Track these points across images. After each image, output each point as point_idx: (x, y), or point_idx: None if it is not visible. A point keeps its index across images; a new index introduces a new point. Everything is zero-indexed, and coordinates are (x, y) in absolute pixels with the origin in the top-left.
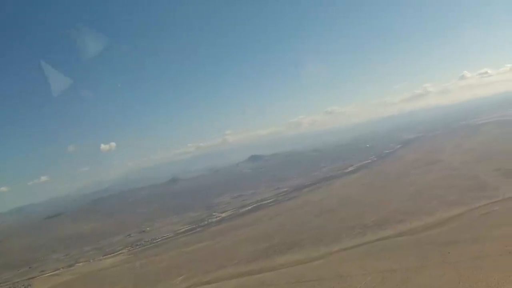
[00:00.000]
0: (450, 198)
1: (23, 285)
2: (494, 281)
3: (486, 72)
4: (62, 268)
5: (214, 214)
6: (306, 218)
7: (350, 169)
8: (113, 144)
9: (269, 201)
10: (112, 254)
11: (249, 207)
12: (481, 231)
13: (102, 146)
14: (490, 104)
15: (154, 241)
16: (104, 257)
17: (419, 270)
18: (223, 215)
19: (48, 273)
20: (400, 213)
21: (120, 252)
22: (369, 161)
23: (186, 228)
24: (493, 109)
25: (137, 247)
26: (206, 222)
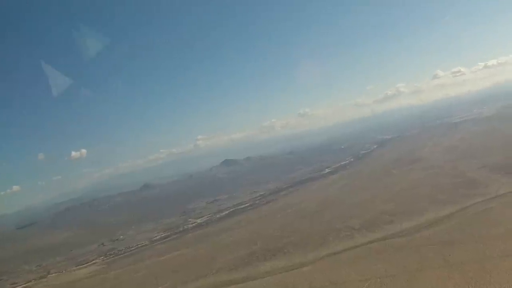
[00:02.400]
0: (439, 197)
1: None
2: (509, 286)
3: (460, 71)
4: (34, 280)
5: (189, 220)
6: (288, 221)
7: (327, 170)
8: (84, 151)
9: (246, 205)
10: (85, 264)
11: (226, 212)
12: (481, 230)
13: (73, 153)
14: (464, 103)
15: (128, 250)
16: (77, 267)
17: (420, 273)
18: (199, 220)
19: (20, 285)
20: (387, 213)
21: (93, 262)
22: (346, 162)
23: (161, 235)
24: (467, 108)
25: (111, 256)
26: (181, 229)
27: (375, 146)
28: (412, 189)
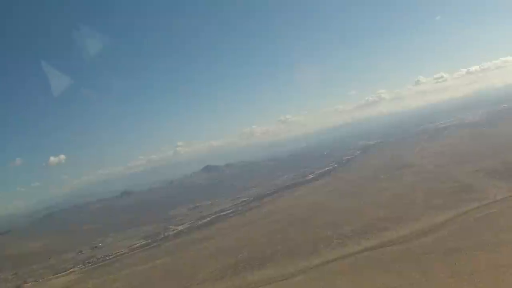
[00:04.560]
0: (435, 202)
1: None
2: None
3: (442, 77)
4: None
5: (170, 227)
6: (274, 228)
7: (311, 176)
8: (62, 156)
9: (229, 211)
10: (63, 273)
11: (208, 219)
12: (486, 236)
13: (51, 158)
14: (446, 110)
15: (107, 258)
16: (55, 276)
17: (426, 285)
18: (180, 228)
19: None
20: (381, 220)
21: (71, 270)
22: (330, 167)
23: (141, 243)
24: (450, 114)
25: (89, 264)
26: (162, 236)
27: (358, 152)
28: (405, 194)
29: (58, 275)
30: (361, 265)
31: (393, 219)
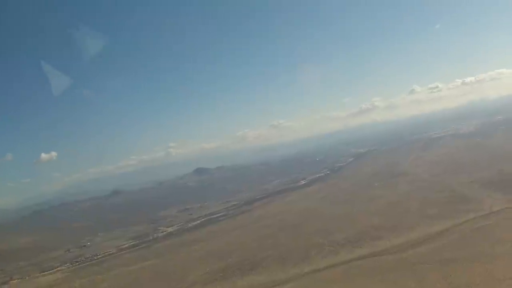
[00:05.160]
0: (430, 211)
1: None
2: None
3: (437, 87)
4: None
5: (159, 228)
6: (265, 233)
7: (303, 182)
8: (54, 153)
9: (219, 215)
10: (50, 271)
11: (198, 221)
12: (482, 248)
13: (43, 155)
14: (440, 119)
15: (95, 258)
16: (41, 274)
17: None
18: (170, 229)
19: None
20: (374, 228)
21: (58, 268)
22: (322, 174)
23: (130, 244)
24: (444, 124)
25: (77, 263)
26: (151, 237)
27: (351, 159)
28: (399, 203)
29: (45, 273)
30: (354, 274)
31: (387, 228)
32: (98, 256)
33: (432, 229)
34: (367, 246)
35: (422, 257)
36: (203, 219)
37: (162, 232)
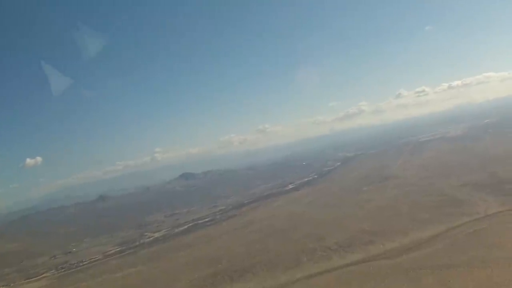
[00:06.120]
0: (422, 215)
1: None
2: None
3: (423, 90)
4: None
5: (146, 234)
6: (254, 239)
7: (290, 186)
8: (39, 159)
9: (206, 220)
10: (35, 278)
11: (185, 227)
12: (479, 253)
13: (28, 160)
14: (427, 123)
15: (81, 264)
16: (26, 280)
17: None
18: (157, 235)
19: None
20: (366, 233)
21: (43, 275)
22: (310, 178)
23: (116, 250)
24: (431, 128)
25: (62, 270)
26: (138, 243)
27: (338, 163)
28: (390, 207)
29: (30, 280)
30: (348, 279)
31: (378, 232)
32: (84, 263)
33: (424, 234)
34: (359, 251)
35: (416, 262)
36: (190, 224)
37: (149, 237)
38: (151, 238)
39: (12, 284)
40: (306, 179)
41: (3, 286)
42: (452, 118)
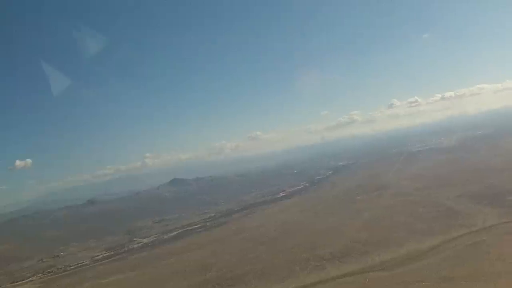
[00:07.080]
0: (418, 226)
1: None
2: None
3: (416, 101)
4: None
5: (135, 239)
6: (245, 247)
7: (282, 194)
8: (29, 161)
9: (196, 226)
10: (21, 282)
11: (175, 233)
12: (480, 266)
13: (17, 162)
14: (419, 134)
15: (68, 268)
16: (12, 284)
17: None
18: (145, 240)
19: None
20: (360, 243)
21: (30, 279)
22: (302, 186)
23: (104, 255)
24: (424, 138)
25: (49, 274)
26: (126, 249)
27: (330, 172)
28: (385, 217)
29: (16, 283)
30: None
31: (373, 243)
32: (71, 267)
33: (422, 245)
34: (355, 261)
35: (415, 274)
36: (180, 231)
37: (137, 243)
38: (140, 244)
39: None
40: (298, 187)
41: None
42: (445, 129)
